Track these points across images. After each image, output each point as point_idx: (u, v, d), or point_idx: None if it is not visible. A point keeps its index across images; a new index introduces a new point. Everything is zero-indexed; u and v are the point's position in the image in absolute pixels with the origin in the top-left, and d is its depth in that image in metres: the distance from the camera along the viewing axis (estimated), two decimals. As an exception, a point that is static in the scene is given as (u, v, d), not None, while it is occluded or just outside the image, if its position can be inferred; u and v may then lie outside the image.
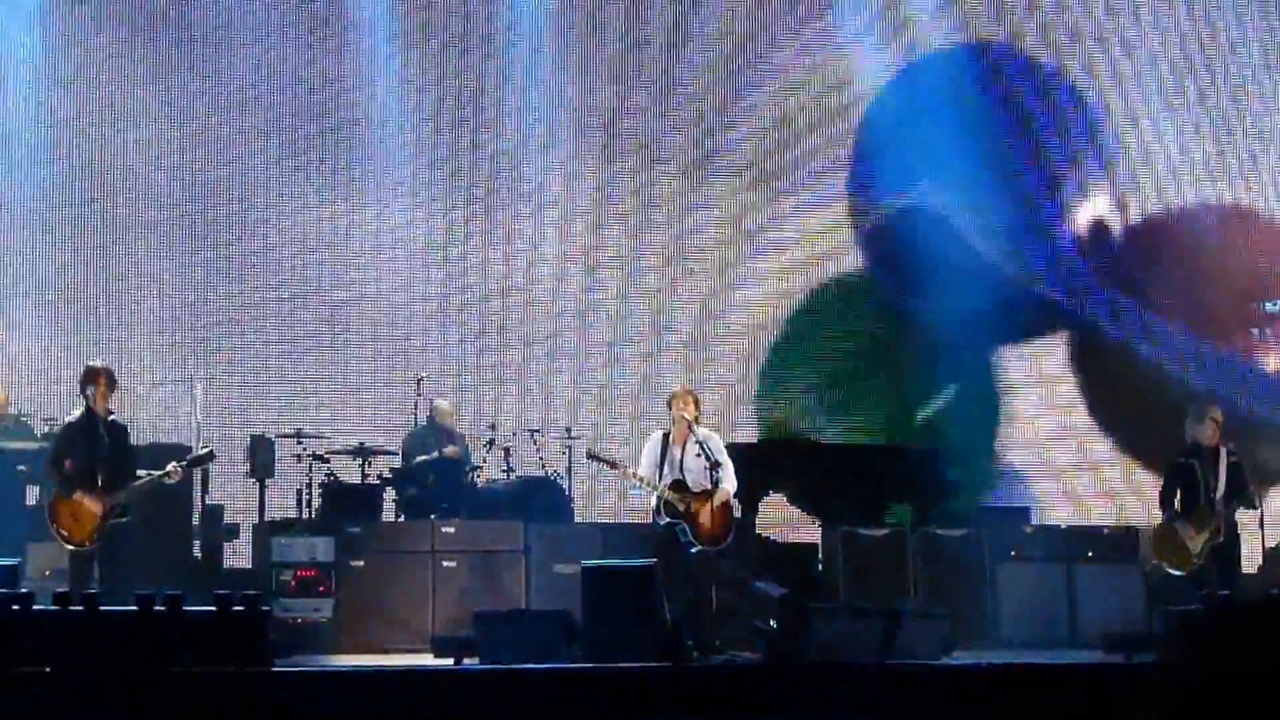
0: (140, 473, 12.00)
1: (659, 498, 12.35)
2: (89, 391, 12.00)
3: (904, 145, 16.81)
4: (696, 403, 12.66)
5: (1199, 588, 12.55)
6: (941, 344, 16.61)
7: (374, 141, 16.83)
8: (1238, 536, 12.95)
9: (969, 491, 15.85)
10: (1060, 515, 16.13)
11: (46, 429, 14.42)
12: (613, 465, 12.62)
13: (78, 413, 12.10)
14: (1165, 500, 13.05)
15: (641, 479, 12.43)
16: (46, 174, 16.39)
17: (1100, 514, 16.21)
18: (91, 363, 12.40)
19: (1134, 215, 17.13)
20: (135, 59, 16.54)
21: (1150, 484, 15.05)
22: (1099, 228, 17.09)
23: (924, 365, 16.77)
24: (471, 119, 17.00)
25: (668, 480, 12.36)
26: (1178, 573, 12.86)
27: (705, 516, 12.34)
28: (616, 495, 15.69)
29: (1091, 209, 17.18)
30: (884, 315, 17.05)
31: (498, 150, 17.05)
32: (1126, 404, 16.75)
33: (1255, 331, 16.74)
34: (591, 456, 12.76)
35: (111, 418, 12.08)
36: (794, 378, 17.06)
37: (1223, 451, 12.92)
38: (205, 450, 12.58)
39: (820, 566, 14.17)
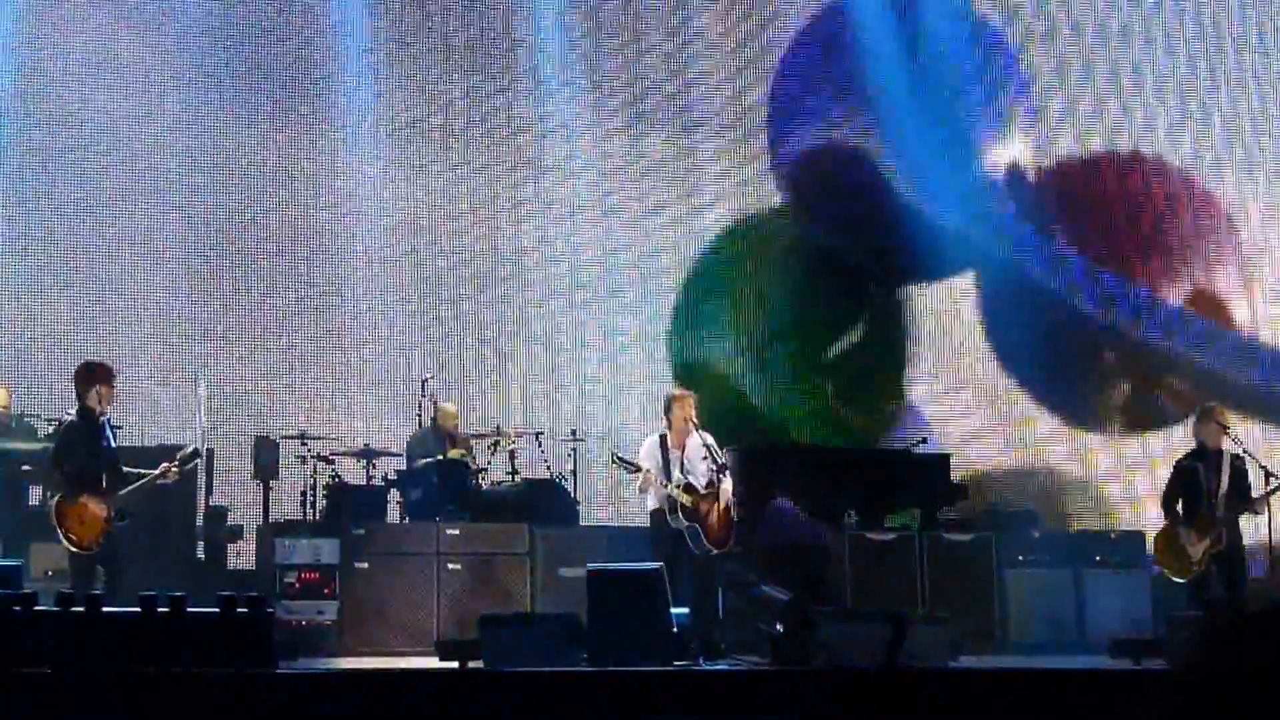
0: (139, 472, 11.96)
1: (672, 500, 12.31)
2: (92, 391, 11.93)
3: (824, 82, 16.86)
4: (697, 404, 12.64)
5: (1199, 594, 12.58)
6: (853, 281, 16.58)
7: (379, 144, 16.80)
8: (1242, 544, 12.79)
9: (867, 431, 16.04)
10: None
11: (49, 429, 14.40)
12: (635, 469, 12.55)
13: (75, 413, 12.02)
14: (1168, 504, 12.95)
15: (667, 484, 12.36)
16: (49, 175, 16.36)
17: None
18: (90, 360, 12.36)
19: (1047, 159, 17.23)
20: (139, 49, 16.54)
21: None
22: (1013, 169, 17.12)
23: (835, 302, 16.70)
24: (478, 119, 16.98)
25: (679, 483, 12.33)
26: (1178, 579, 12.79)
27: (713, 519, 12.33)
28: (622, 498, 15.65)
29: (1007, 151, 17.21)
30: (798, 252, 16.99)
31: (502, 154, 17.03)
32: (1037, 347, 16.81)
33: (1158, 263, 16.82)
34: (616, 460, 12.68)
35: (104, 417, 12.03)
36: (705, 317, 17.01)
37: (1226, 455, 12.82)
38: (190, 449, 12.51)
39: (827, 570, 14.12)
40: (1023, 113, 17.29)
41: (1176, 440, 15.46)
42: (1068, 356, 16.72)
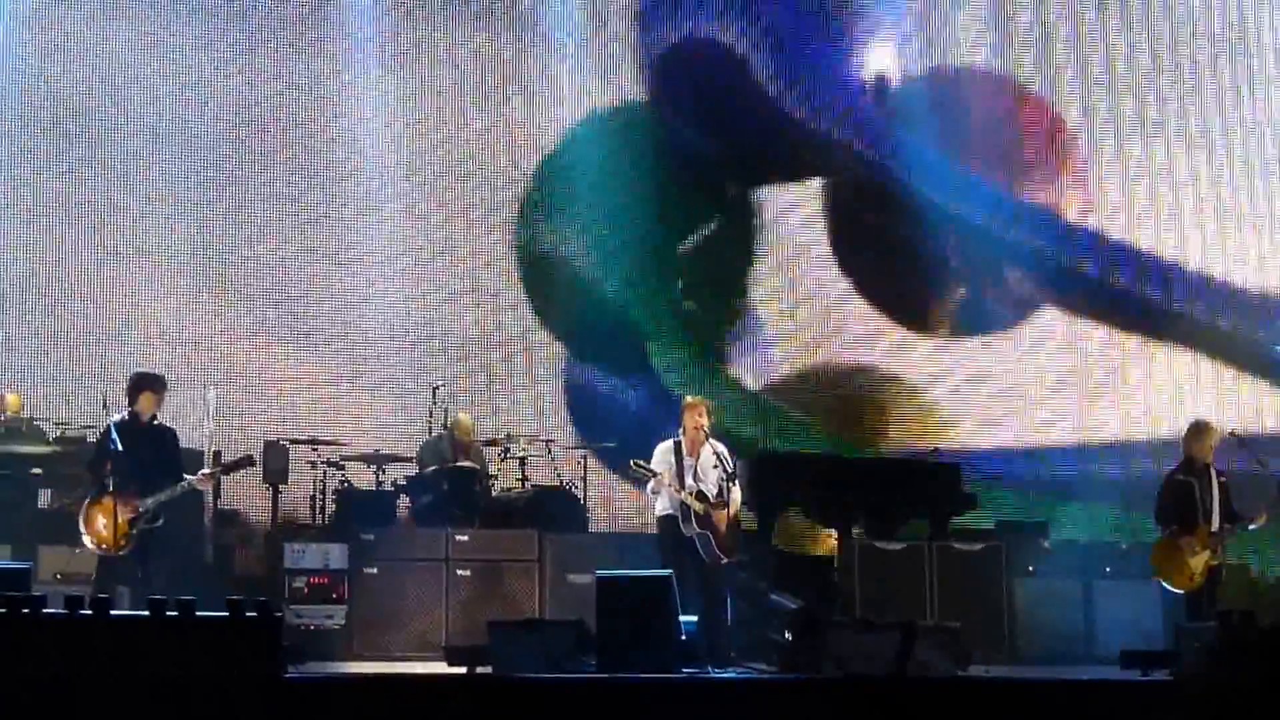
0: (187, 479, 12.02)
1: (685, 507, 12.30)
2: (138, 397, 12.03)
3: None
4: (709, 412, 12.63)
5: (1195, 607, 12.59)
6: (710, 178, 16.67)
7: (386, 147, 16.82)
8: (1222, 560, 12.92)
9: (705, 329, 16.35)
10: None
11: (59, 433, 14.43)
12: (651, 474, 12.51)
13: (118, 416, 12.11)
14: (1162, 517, 12.96)
15: (684, 491, 12.34)
16: (59, 179, 16.38)
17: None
18: (141, 370, 12.49)
19: (916, 71, 17.29)
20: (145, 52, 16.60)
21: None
22: (882, 77, 17.17)
23: (690, 198, 16.76)
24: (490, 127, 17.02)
25: (692, 490, 12.32)
26: (1177, 590, 12.81)
27: (723, 527, 12.32)
28: (631, 505, 15.65)
29: (878, 57, 17.24)
30: (657, 147, 16.96)
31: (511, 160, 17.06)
32: (882, 251, 16.93)
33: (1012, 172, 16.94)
34: (636, 466, 12.65)
35: (157, 422, 12.11)
36: (555, 206, 16.96)
37: (1214, 472, 12.90)
38: (244, 455, 12.63)
39: (836, 579, 14.10)
40: (893, 23, 17.25)
41: (999, 347, 16.39)
42: (913, 259, 16.77)
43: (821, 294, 16.98)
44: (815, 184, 17.10)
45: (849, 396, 16.90)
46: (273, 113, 16.76)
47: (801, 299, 17.00)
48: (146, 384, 12.20)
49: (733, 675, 11.48)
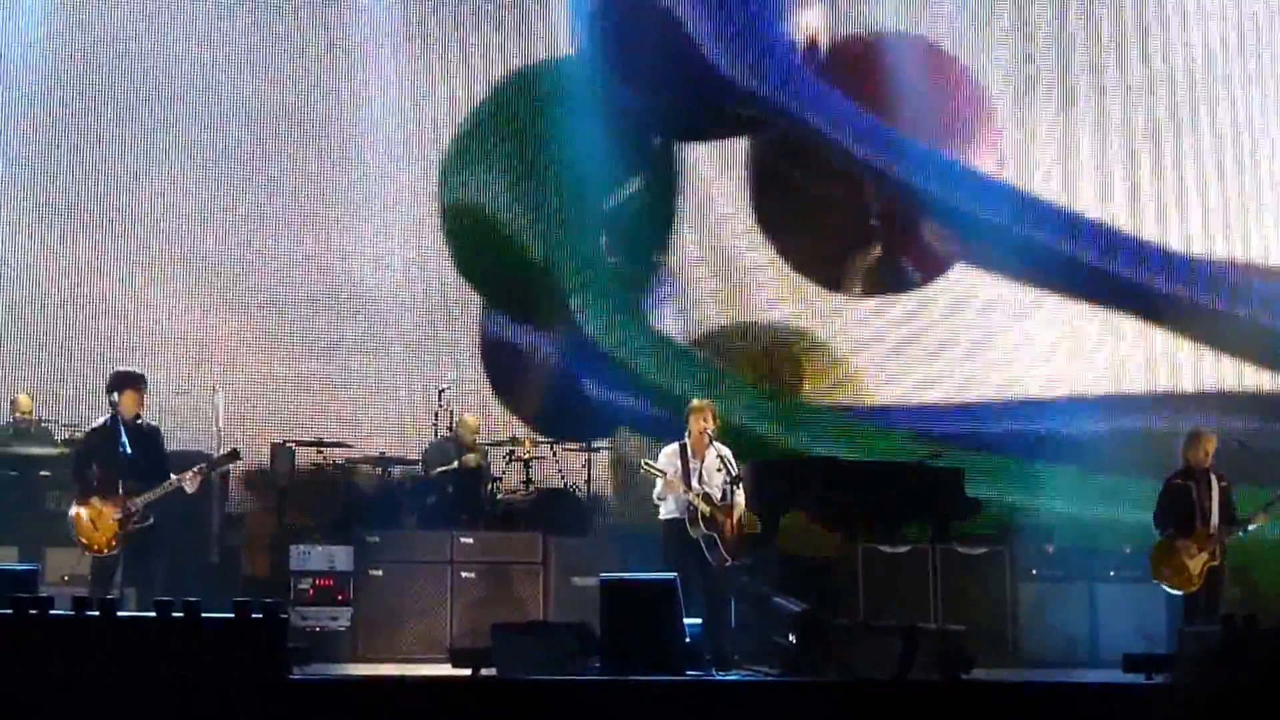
0: (176, 478, 12.03)
1: (692, 510, 12.32)
2: (116, 397, 12.04)
3: None
4: (714, 415, 12.65)
5: (1191, 607, 12.69)
6: (638, 135, 16.66)
7: (392, 149, 16.85)
8: (1224, 565, 12.95)
9: (631, 287, 16.51)
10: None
11: (67, 435, 14.45)
12: (662, 475, 12.52)
13: (102, 419, 12.14)
14: (1161, 520, 13.03)
15: (693, 493, 12.35)
16: (69, 180, 16.40)
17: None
18: (121, 368, 12.46)
19: (847, 32, 17.27)
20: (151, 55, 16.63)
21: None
22: (813, 38, 17.09)
23: (616, 154, 16.74)
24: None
25: (698, 493, 12.34)
26: (1176, 592, 12.89)
27: (728, 530, 12.33)
28: (637, 507, 15.66)
29: (810, 18, 17.14)
30: (589, 104, 16.83)
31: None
32: (804, 210, 16.93)
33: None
34: (646, 467, 12.67)
35: (141, 421, 12.12)
36: (480, 160, 16.87)
37: (1213, 477, 12.99)
38: (229, 450, 12.58)
39: (840, 583, 14.12)
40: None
41: (910, 305, 16.51)
42: (833, 219, 16.84)
43: (743, 252, 16.96)
44: (741, 143, 17.07)
45: (767, 352, 16.87)
46: (286, 113, 16.75)
47: (723, 256, 16.99)
48: (128, 383, 12.18)
49: (736, 678, 11.49)
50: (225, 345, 16.32)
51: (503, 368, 16.69)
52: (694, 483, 12.37)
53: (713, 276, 17.00)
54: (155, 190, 16.49)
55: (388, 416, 16.33)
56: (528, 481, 14.94)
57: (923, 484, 14.42)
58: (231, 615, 9.60)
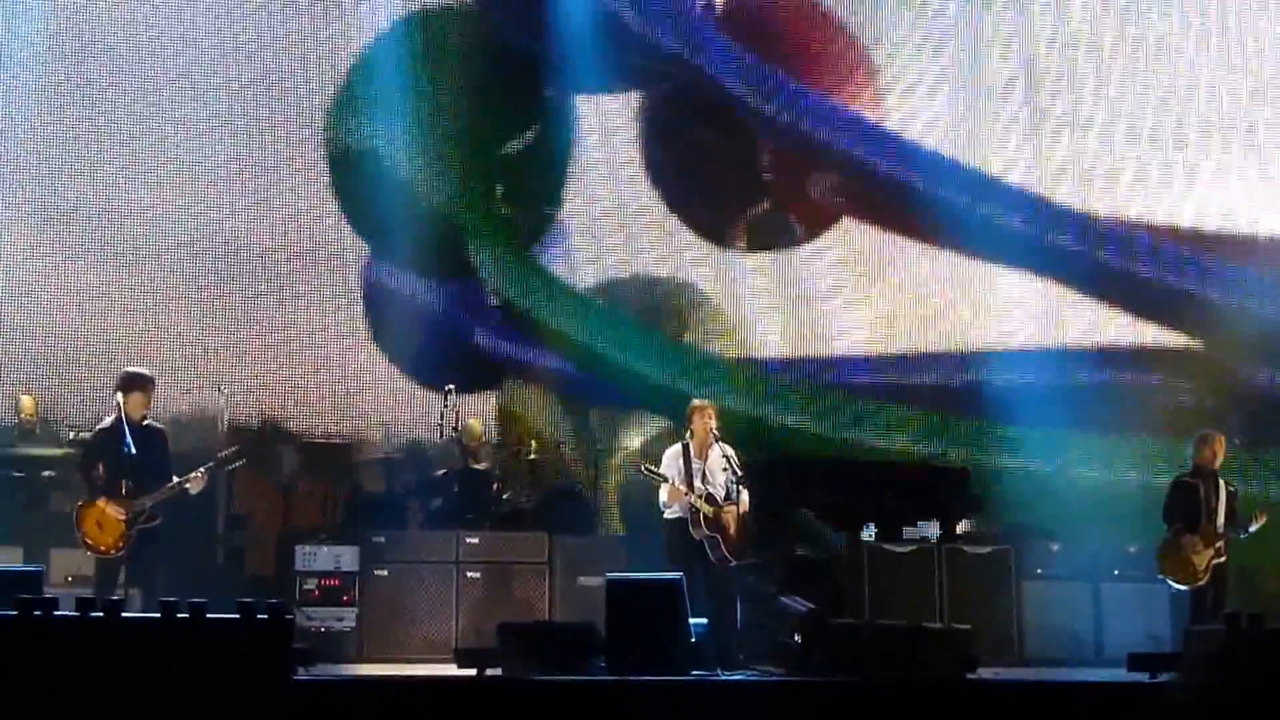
0: (182, 479, 12.04)
1: (695, 511, 12.31)
2: (122, 397, 12.04)
3: None
4: (717, 414, 12.65)
5: (1198, 606, 12.85)
6: (533, 84, 16.63)
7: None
8: (1226, 565, 13.13)
9: (527, 237, 16.60)
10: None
11: (72, 435, 14.46)
12: (662, 479, 12.53)
13: (109, 419, 12.14)
14: (1169, 517, 13.21)
15: (693, 494, 12.35)
16: (76, 187, 16.40)
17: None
18: (129, 369, 12.46)
19: None
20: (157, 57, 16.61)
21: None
22: None
23: (510, 101, 16.74)
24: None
25: (701, 493, 12.34)
26: (1181, 587, 13.10)
27: (733, 530, 12.34)
28: (644, 507, 15.66)
29: None
30: (484, 51, 16.88)
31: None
32: (695, 164, 16.95)
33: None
34: (646, 471, 12.66)
35: (147, 422, 12.12)
36: (369, 103, 16.76)
37: (1221, 480, 13.23)
38: (232, 449, 12.58)
39: (845, 582, 14.10)
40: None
41: (801, 260, 16.66)
42: (723, 171, 16.87)
43: (635, 205, 16.96)
44: (636, 95, 17.05)
45: (656, 306, 16.95)
46: (292, 122, 16.72)
47: (617, 209, 16.97)
48: (135, 383, 12.19)
49: (742, 678, 11.48)
50: (229, 345, 16.31)
51: (387, 318, 16.57)
52: (696, 483, 12.37)
53: (606, 229, 16.95)
54: (157, 189, 16.46)
55: (393, 416, 16.32)
56: (533, 482, 14.94)
57: (929, 482, 14.43)
58: (237, 616, 9.60)
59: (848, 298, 16.86)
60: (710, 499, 12.33)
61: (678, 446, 12.61)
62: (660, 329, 16.78)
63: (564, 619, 13.34)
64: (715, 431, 12.53)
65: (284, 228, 16.55)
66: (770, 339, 16.87)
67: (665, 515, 12.54)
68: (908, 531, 14.30)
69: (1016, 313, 16.68)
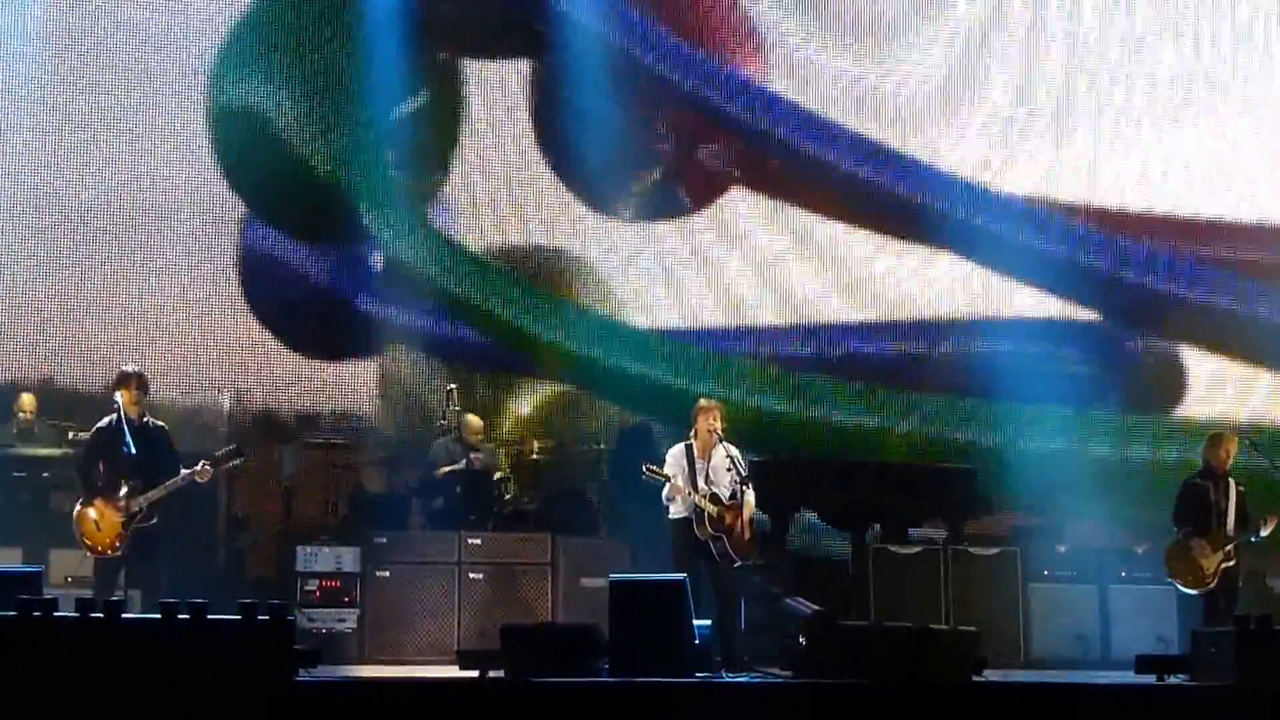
0: (184, 474, 11.98)
1: (699, 511, 12.27)
2: (118, 396, 11.99)
3: None
4: (722, 414, 12.60)
5: (1210, 609, 12.78)
6: (423, 47, 16.47)
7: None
8: (1238, 568, 13.07)
9: (418, 202, 16.50)
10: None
11: (72, 435, 14.42)
12: (665, 479, 12.48)
13: (107, 418, 12.09)
14: (1179, 519, 13.14)
15: (698, 495, 12.30)
16: (78, 185, 16.36)
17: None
18: (124, 367, 12.40)
19: None
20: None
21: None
22: None
23: (399, 66, 16.47)
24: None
25: (705, 494, 12.30)
26: (1191, 591, 13.00)
27: (738, 530, 12.29)
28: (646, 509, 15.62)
29: None
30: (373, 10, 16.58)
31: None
32: (585, 132, 16.69)
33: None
34: (649, 472, 12.61)
35: (146, 420, 12.06)
36: (251, 59, 16.50)
37: (1232, 481, 13.13)
38: (232, 447, 12.53)
39: (851, 583, 14.07)
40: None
41: (688, 228, 16.70)
42: (614, 140, 16.71)
43: (524, 173, 16.88)
44: (527, 62, 16.97)
45: (542, 277, 16.87)
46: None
47: (505, 176, 16.88)
48: (122, 381, 12.10)
49: (746, 679, 11.45)
50: (231, 345, 16.25)
51: (263, 282, 16.40)
52: (700, 483, 12.33)
53: (495, 198, 16.86)
54: (166, 191, 16.40)
55: (394, 417, 16.29)
56: (537, 482, 14.91)
57: (934, 483, 14.40)
58: (238, 617, 9.57)
59: (737, 268, 16.84)
60: (715, 499, 12.28)
61: (681, 446, 12.56)
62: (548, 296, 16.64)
63: (567, 620, 13.31)
64: (719, 432, 12.47)
65: (160, 187, 16.26)
66: (660, 308, 16.80)
67: (669, 515, 12.49)
68: (914, 533, 14.27)
69: (889, 284, 16.80)
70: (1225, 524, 12.94)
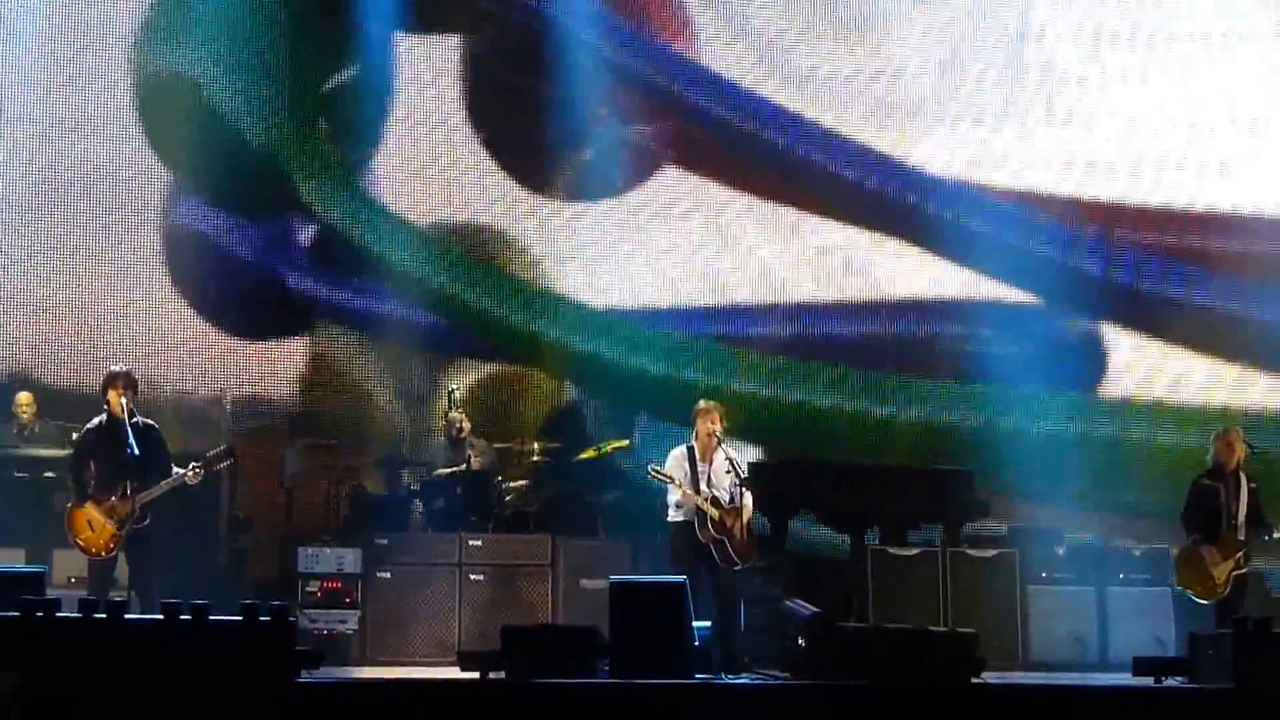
0: (175, 474, 11.99)
1: (701, 514, 12.29)
2: (108, 396, 11.99)
3: None
4: (722, 417, 12.62)
5: (1224, 619, 12.35)
6: (356, 19, 16.35)
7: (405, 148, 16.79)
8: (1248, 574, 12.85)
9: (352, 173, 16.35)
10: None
11: (72, 435, 14.44)
12: (670, 481, 12.49)
13: (97, 419, 12.10)
14: (1189, 522, 12.83)
15: (701, 497, 12.32)
16: (79, 185, 16.36)
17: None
18: (113, 367, 12.40)
19: None
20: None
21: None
22: None
23: (329, 40, 16.48)
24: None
25: (706, 496, 12.31)
26: (1202, 600, 12.68)
27: (738, 533, 12.30)
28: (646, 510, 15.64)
29: None
30: None
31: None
32: (518, 111, 16.83)
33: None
34: (654, 473, 12.62)
35: (136, 420, 12.04)
36: (181, 25, 16.32)
37: (1243, 477, 12.78)
38: (223, 448, 12.53)
39: (850, 586, 14.09)
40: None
41: (625, 208, 16.65)
42: (547, 118, 16.71)
43: (455, 149, 16.82)
44: (459, 38, 16.88)
45: (474, 252, 16.86)
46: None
47: (435, 153, 16.82)
48: (109, 381, 12.10)
49: (746, 681, 11.47)
50: (232, 346, 16.24)
51: (189, 256, 16.30)
52: (702, 486, 12.35)
53: (425, 174, 16.80)
54: (161, 188, 16.41)
55: (395, 418, 16.31)
56: (538, 483, 14.92)
57: (932, 486, 14.44)
58: (239, 618, 9.59)
59: (661, 247, 16.84)
60: (715, 501, 12.30)
61: (682, 449, 12.58)
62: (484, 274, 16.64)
63: (567, 621, 13.31)
64: (718, 434, 12.49)
65: (85, 156, 16.17)
66: (589, 287, 16.80)
67: (670, 518, 12.51)
68: (912, 535, 14.28)
69: (837, 264, 16.88)
70: (1236, 526, 12.57)
